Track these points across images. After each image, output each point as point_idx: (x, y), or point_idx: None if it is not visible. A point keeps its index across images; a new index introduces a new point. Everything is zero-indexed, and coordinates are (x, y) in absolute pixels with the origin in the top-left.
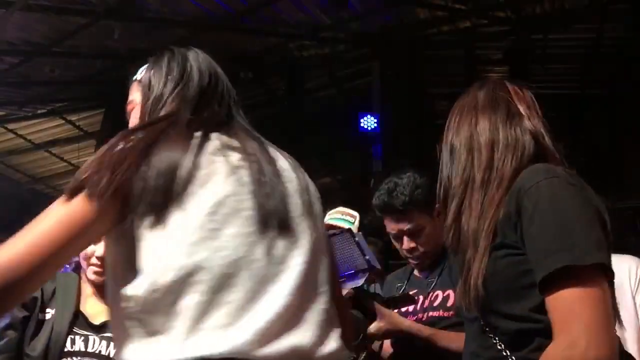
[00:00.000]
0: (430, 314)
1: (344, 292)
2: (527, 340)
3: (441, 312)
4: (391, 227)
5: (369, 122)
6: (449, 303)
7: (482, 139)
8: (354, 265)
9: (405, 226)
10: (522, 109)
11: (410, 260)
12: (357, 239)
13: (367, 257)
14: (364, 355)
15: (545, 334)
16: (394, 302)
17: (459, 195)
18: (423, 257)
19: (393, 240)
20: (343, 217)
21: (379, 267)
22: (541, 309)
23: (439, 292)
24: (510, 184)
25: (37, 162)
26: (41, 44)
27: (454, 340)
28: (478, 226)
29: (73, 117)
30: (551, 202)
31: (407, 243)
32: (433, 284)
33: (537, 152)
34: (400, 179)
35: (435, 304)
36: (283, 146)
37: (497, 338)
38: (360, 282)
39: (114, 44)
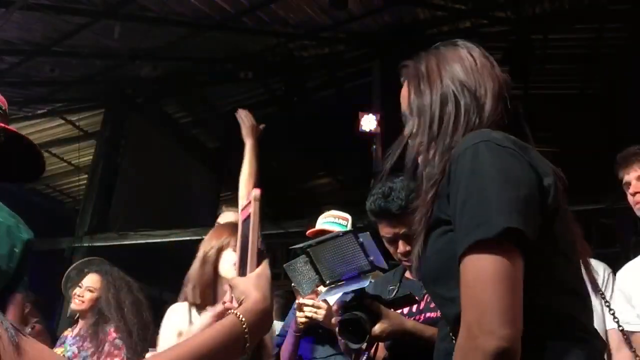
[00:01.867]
0: (428, 315)
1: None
2: None
3: (438, 314)
4: (386, 231)
5: (369, 122)
6: None
7: (433, 108)
8: (356, 267)
9: (401, 230)
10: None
11: (405, 263)
12: (361, 239)
13: (370, 258)
14: (364, 357)
15: None
16: (396, 303)
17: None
18: None
19: (387, 244)
20: (336, 221)
21: (384, 266)
22: None
23: None
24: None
25: None
26: (41, 44)
27: None
28: (420, 202)
29: (73, 117)
30: (470, 170)
31: (402, 247)
32: None
33: (482, 117)
34: (394, 183)
35: (432, 305)
36: (283, 146)
37: (448, 327)
38: (365, 283)
39: (114, 44)
